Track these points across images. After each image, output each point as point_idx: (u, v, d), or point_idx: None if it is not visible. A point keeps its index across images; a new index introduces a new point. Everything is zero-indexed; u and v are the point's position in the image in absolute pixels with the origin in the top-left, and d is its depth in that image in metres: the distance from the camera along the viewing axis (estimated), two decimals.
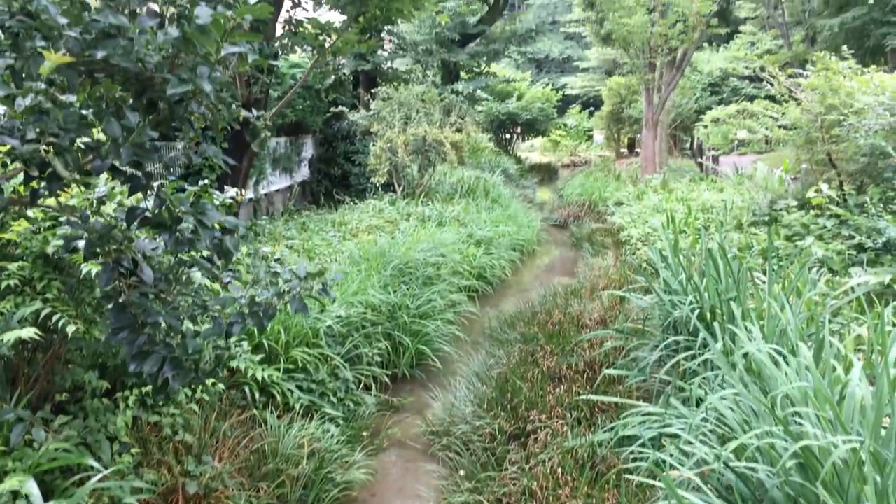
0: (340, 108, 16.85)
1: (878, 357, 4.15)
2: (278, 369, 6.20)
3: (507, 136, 38.00)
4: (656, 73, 21.74)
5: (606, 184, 22.40)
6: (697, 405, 4.51)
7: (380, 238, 11.06)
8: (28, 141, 2.08)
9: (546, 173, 34.32)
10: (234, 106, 2.65)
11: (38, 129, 2.11)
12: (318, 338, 6.84)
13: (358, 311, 7.69)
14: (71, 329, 3.78)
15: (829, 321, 5.57)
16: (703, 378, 4.85)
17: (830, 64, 10.11)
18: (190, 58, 2.31)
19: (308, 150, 17.29)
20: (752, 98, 29.29)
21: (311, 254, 10.31)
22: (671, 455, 3.96)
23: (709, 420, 4.08)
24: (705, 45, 35.83)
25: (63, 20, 2.09)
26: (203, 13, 2.15)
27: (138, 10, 2.28)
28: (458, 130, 16.98)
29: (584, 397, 5.96)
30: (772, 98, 12.99)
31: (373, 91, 17.47)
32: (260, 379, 5.82)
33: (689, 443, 3.82)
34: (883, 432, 3.36)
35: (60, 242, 3.80)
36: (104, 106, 2.44)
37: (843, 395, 3.74)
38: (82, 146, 2.37)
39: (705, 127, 26.85)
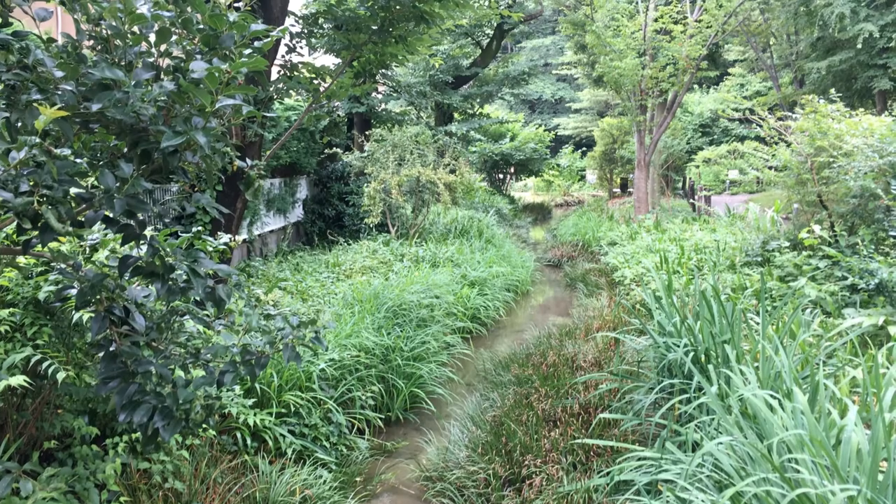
0: (335, 149, 16.97)
1: (873, 400, 4.14)
2: (270, 414, 6.14)
3: (501, 176, 38.27)
4: (648, 114, 21.99)
5: (599, 224, 22.50)
6: (693, 449, 4.48)
7: (374, 279, 11.05)
8: (21, 193, 2.09)
9: (539, 213, 34.49)
10: (228, 155, 2.67)
11: (31, 182, 2.11)
12: (310, 381, 6.80)
13: (351, 353, 7.65)
14: (61, 376, 3.75)
15: (824, 363, 5.57)
16: (699, 422, 4.82)
17: (819, 107, 10.25)
18: (185, 109, 2.33)
19: (302, 191, 17.37)
20: (742, 139, 29.71)
21: (304, 295, 10.29)
22: (667, 502, 3.92)
23: (705, 465, 4.05)
24: (695, 87, 36.41)
25: (59, 73, 2.11)
26: (198, 67, 2.17)
27: (134, 62, 2.31)
28: (452, 171, 17.09)
29: (579, 441, 5.91)
30: (761, 139, 13.15)
31: (367, 133, 17.61)
32: (252, 424, 5.77)
33: (686, 489, 3.78)
34: (880, 477, 3.33)
35: (52, 288, 3.79)
36: (98, 155, 2.46)
37: (840, 439, 3.72)
38: (75, 197, 2.37)
39: (697, 167, 27.06)
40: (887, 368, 4.91)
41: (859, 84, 21.92)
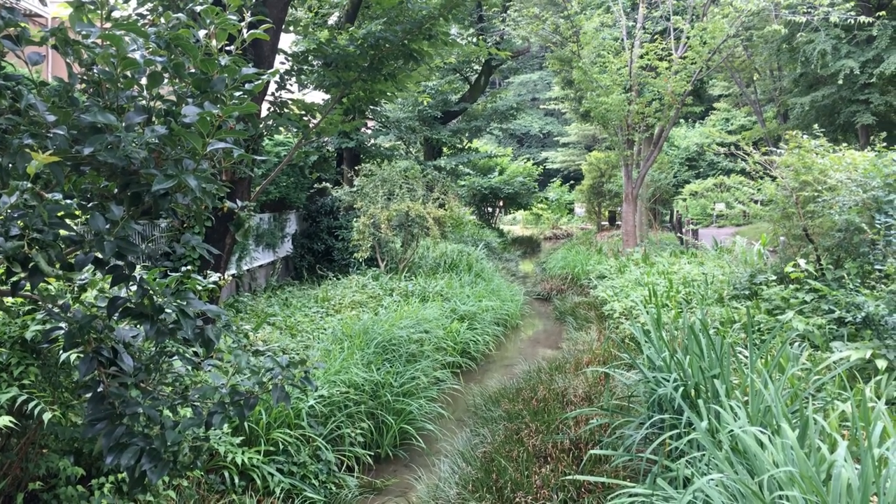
0: (324, 184, 17.04)
1: (862, 435, 4.15)
2: (259, 452, 6.08)
3: (490, 209, 38.44)
4: (635, 148, 22.20)
5: (588, 257, 22.56)
6: (684, 485, 4.46)
7: (363, 314, 11.03)
8: (12, 237, 2.09)
9: (529, 246, 34.56)
10: (217, 196, 2.68)
11: (21, 225, 2.11)
12: (299, 419, 6.75)
13: (340, 390, 7.61)
14: (47, 416, 3.72)
15: (813, 397, 5.59)
16: (690, 458, 4.81)
17: (803, 142, 10.39)
18: (176, 151, 2.35)
19: (291, 226, 17.38)
20: (728, 172, 30.03)
21: (293, 331, 10.25)
22: None
23: (696, 502, 4.03)
24: (682, 121, 36.87)
25: (51, 117, 2.13)
26: (190, 112, 2.19)
27: (126, 106, 2.33)
28: (441, 205, 17.16)
29: (570, 477, 5.87)
30: (747, 174, 13.31)
31: (356, 167, 17.69)
32: (240, 463, 5.71)
33: None
34: None
35: (39, 328, 3.77)
36: (89, 197, 2.46)
37: (830, 475, 3.72)
38: (65, 239, 2.38)
39: (684, 200, 27.25)
40: (876, 402, 4.92)
41: (842, 119, 22.24)
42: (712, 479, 3.96)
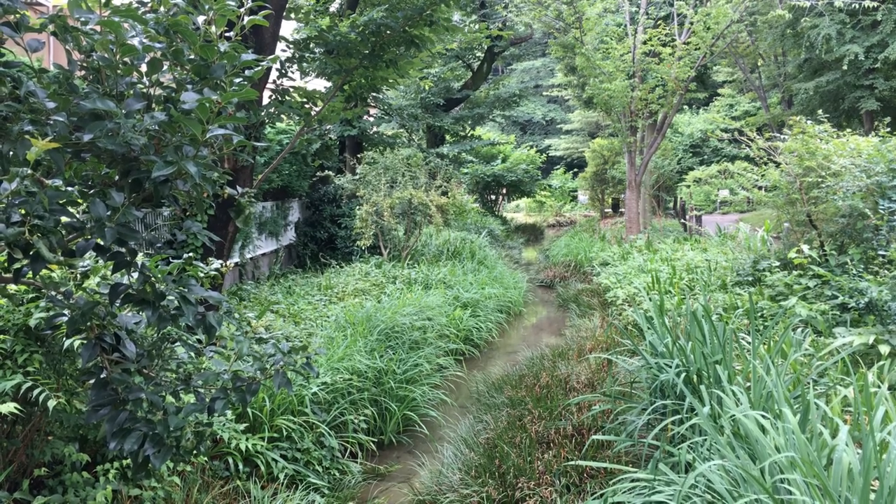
0: (326, 172, 17.03)
1: (864, 419, 4.16)
2: (262, 438, 6.12)
3: (493, 197, 38.39)
4: (638, 135, 22.12)
5: (591, 244, 22.54)
6: (686, 470, 4.48)
7: (366, 302, 11.05)
8: (13, 224, 2.10)
9: (532, 234, 34.53)
10: (218, 183, 2.69)
11: (22, 212, 2.12)
12: (303, 405, 6.78)
13: (343, 377, 7.64)
14: (52, 403, 3.74)
15: (815, 382, 5.60)
16: (692, 443, 4.83)
17: (807, 127, 10.35)
18: (176, 138, 2.35)
19: (294, 214, 17.39)
20: (732, 158, 29.93)
21: (297, 318, 10.27)
22: None
23: (698, 486, 4.05)
24: (685, 107, 36.73)
25: (51, 104, 2.13)
26: (189, 98, 2.19)
27: (126, 93, 2.33)
28: (444, 193, 17.14)
29: (572, 463, 5.89)
30: (751, 160, 13.27)
31: (359, 155, 17.67)
32: (243, 449, 5.74)
33: None
34: (872, 496, 3.34)
35: (43, 315, 3.79)
36: (89, 184, 2.47)
37: (831, 459, 3.73)
38: (66, 225, 2.38)
39: (688, 187, 27.19)
40: (878, 387, 4.93)
41: (846, 104, 22.13)
42: (714, 464, 3.98)
